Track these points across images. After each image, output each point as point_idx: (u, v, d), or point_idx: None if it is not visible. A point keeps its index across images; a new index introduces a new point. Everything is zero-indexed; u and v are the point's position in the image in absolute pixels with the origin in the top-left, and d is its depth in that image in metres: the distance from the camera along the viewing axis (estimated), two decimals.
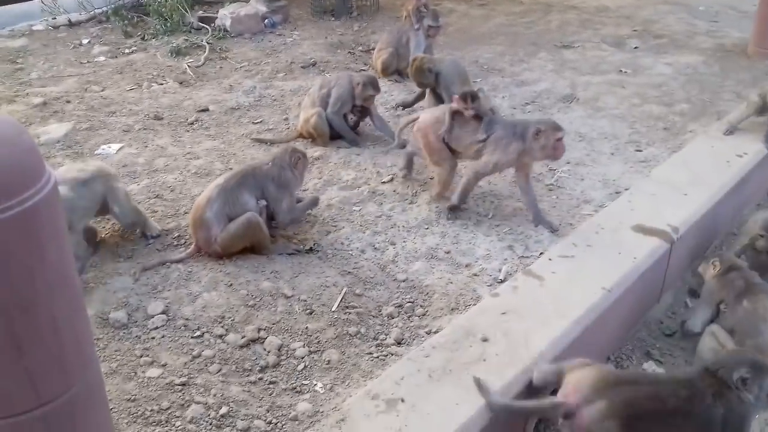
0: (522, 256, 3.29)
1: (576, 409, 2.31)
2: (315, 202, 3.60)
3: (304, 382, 2.55)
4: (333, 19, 7.00)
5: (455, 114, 3.60)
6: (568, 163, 4.16)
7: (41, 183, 1.41)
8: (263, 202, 3.32)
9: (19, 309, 1.40)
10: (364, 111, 4.47)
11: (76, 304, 1.63)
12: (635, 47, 6.20)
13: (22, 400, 1.48)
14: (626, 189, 3.83)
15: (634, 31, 6.64)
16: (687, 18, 7.07)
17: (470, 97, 3.59)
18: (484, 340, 2.69)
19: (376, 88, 4.41)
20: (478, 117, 3.57)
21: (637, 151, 4.32)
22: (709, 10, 7.34)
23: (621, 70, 5.63)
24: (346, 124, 4.45)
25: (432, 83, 4.57)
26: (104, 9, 7.03)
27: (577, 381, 2.39)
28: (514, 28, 6.76)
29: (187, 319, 2.81)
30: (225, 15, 6.45)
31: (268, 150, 4.22)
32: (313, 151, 4.22)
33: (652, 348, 3.31)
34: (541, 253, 3.28)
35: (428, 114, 3.78)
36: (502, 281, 3.10)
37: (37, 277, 1.41)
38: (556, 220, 3.55)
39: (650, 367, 3.20)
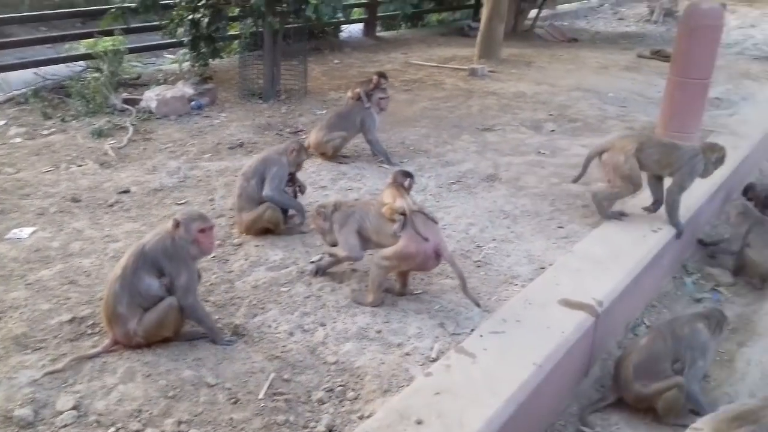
0: (453, 333, 3.26)
1: None
2: (217, 335, 3.12)
3: None
4: (261, 101, 7.06)
5: None
6: (494, 240, 4.25)
7: None
8: (165, 280, 3.03)
9: None
10: (293, 179, 4.36)
11: None
12: (552, 130, 6.52)
13: None
14: (550, 264, 3.92)
15: (550, 115, 7.01)
16: (598, 104, 7.54)
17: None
18: (419, 422, 2.61)
19: (308, 152, 4.37)
20: None
21: (559, 227, 4.45)
22: (617, 96, 7.86)
23: (540, 152, 5.89)
24: (291, 197, 4.31)
25: None
26: (23, 90, 6.86)
27: None
28: (437, 112, 7.01)
29: (100, 414, 2.60)
30: (150, 97, 6.41)
31: None
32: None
33: (587, 418, 3.31)
34: (472, 330, 3.26)
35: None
36: (434, 360, 3.05)
37: None
38: (485, 296, 3.57)
39: None
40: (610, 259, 3.97)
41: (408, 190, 3.64)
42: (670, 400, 3.29)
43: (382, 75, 5.83)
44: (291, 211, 4.32)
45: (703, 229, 5.25)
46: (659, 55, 10.00)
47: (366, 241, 3.56)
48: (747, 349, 3.92)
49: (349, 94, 5.83)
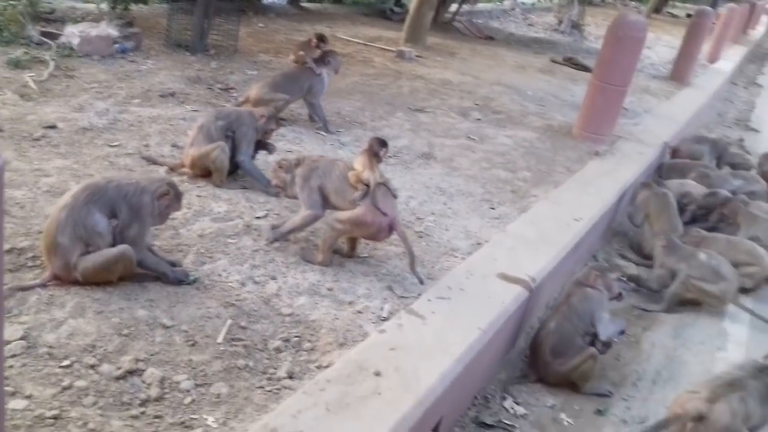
0: (401, 296, 3.36)
1: None
2: (171, 273, 3.05)
3: (193, 416, 2.35)
4: (188, 54, 6.79)
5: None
6: (433, 213, 4.39)
7: None
8: (115, 222, 2.91)
9: None
10: (260, 146, 4.33)
11: None
12: (478, 119, 6.77)
13: None
14: (486, 241, 4.11)
15: (476, 104, 7.27)
16: (518, 99, 7.89)
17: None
18: (377, 374, 2.68)
19: (278, 122, 4.33)
20: None
21: (491, 208, 4.67)
22: (535, 95, 8.27)
23: (469, 137, 6.11)
24: (261, 172, 4.19)
25: None
26: None
27: None
28: (369, 88, 7.07)
29: (51, 346, 2.47)
30: (73, 33, 5.98)
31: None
32: (184, 182, 4.01)
33: (511, 387, 3.52)
34: (419, 294, 3.37)
35: None
36: (385, 319, 3.13)
37: None
38: (429, 264, 3.70)
39: (510, 405, 3.40)
40: (540, 241, 4.23)
41: (381, 158, 3.67)
42: (585, 370, 3.57)
43: (321, 38, 5.78)
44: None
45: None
46: (571, 62, 10.61)
47: (324, 200, 3.57)
48: (651, 333, 4.32)
49: (292, 57, 5.75)
